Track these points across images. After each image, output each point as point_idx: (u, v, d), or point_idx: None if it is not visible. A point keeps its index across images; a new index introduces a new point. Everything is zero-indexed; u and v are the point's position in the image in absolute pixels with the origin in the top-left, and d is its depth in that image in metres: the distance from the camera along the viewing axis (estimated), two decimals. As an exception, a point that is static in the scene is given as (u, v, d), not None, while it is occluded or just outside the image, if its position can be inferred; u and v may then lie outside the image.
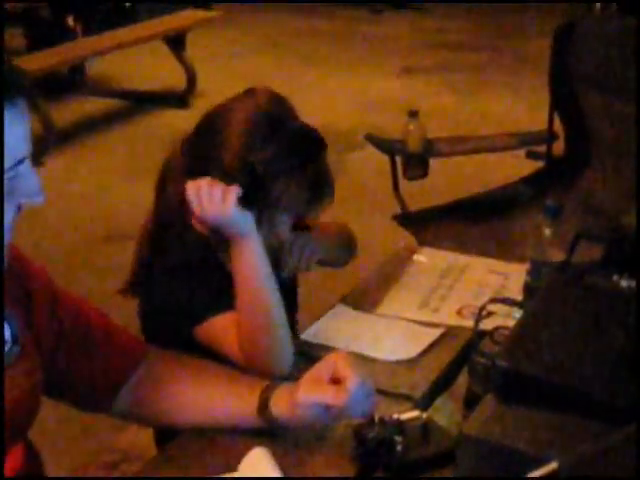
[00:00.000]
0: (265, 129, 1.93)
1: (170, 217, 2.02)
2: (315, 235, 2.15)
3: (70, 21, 7.49)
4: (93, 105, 6.95)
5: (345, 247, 2.35)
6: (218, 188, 1.81)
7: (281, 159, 1.91)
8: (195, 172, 1.91)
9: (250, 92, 2.03)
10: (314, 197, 1.97)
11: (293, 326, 2.16)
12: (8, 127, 1.36)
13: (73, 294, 1.74)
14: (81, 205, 5.16)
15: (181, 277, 1.99)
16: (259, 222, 1.91)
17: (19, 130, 1.38)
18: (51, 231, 4.46)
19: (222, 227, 1.85)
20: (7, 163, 1.36)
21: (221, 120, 1.98)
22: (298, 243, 2.07)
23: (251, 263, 1.87)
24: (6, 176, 1.37)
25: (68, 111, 6.57)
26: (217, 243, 1.97)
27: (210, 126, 2.01)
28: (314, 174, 1.96)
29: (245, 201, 1.84)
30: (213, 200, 1.80)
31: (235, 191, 1.81)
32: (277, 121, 1.96)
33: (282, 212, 1.96)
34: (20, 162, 1.39)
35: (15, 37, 7.68)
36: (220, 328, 1.92)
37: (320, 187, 1.97)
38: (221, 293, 1.93)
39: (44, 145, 5.63)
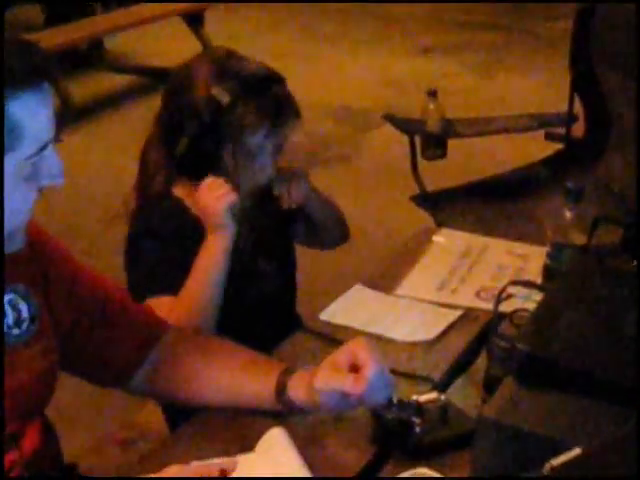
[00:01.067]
0: (221, 70, 2.08)
1: (148, 187, 2.19)
2: (301, 171, 2.23)
3: (89, -3, 7.49)
4: (111, 81, 6.95)
5: (336, 222, 2.39)
6: (221, 185, 2.00)
7: (239, 88, 2.05)
8: (171, 128, 2.12)
9: (203, 51, 2.24)
10: (277, 116, 2.08)
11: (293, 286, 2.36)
12: (34, 112, 1.36)
13: (91, 270, 1.74)
14: (98, 181, 5.16)
15: (139, 248, 2.11)
16: (237, 156, 2.08)
17: (44, 114, 1.39)
18: (68, 206, 4.45)
19: (210, 216, 2.00)
20: (33, 148, 1.37)
21: (182, 78, 2.14)
22: (285, 174, 2.16)
23: (217, 256, 2.00)
24: (30, 160, 1.37)
25: (86, 87, 6.57)
26: None
27: (174, 87, 2.17)
28: (272, 97, 2.09)
29: (218, 134, 2.05)
30: (213, 193, 1.99)
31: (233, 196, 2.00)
32: (232, 63, 2.11)
33: (251, 134, 2.07)
34: (44, 146, 1.39)
35: (33, 12, 7.68)
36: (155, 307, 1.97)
37: (280, 107, 2.09)
38: (166, 274, 2.04)
39: (62, 121, 5.62)
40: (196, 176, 2.07)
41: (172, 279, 2.00)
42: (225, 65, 2.10)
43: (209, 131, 2.05)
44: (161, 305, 1.96)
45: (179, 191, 2.15)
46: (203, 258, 2.00)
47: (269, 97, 2.08)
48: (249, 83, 2.07)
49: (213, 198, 1.99)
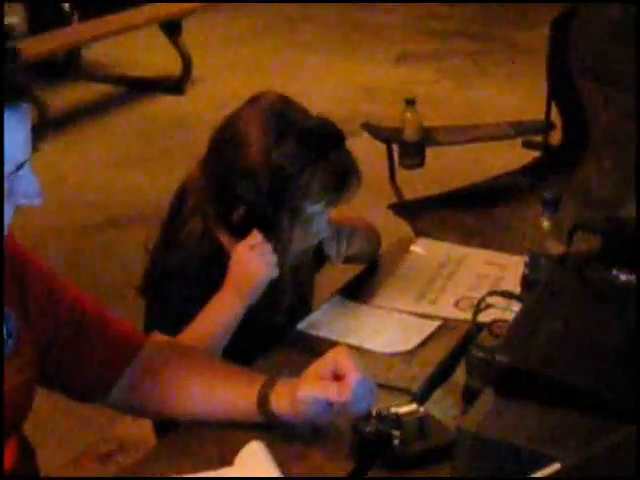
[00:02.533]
0: (279, 128, 1.98)
1: (179, 230, 2.08)
2: (349, 230, 2.19)
3: (66, 6, 7.46)
4: (88, 90, 6.94)
5: (372, 242, 2.37)
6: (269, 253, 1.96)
7: (302, 153, 1.97)
8: (219, 186, 2.02)
9: (254, 98, 2.08)
10: (341, 184, 2.01)
11: None
12: (11, 132, 1.35)
13: (68, 284, 1.72)
14: (75, 191, 5.14)
15: (162, 283, 2.06)
16: (294, 222, 2.00)
17: (21, 134, 1.37)
18: (45, 217, 4.44)
19: (248, 278, 1.96)
20: (7, 168, 1.36)
21: (234, 131, 2.03)
22: (340, 236, 2.13)
23: (235, 311, 1.96)
24: (6, 179, 1.36)
25: (63, 96, 6.55)
26: None
27: (225, 139, 2.06)
28: (337, 163, 2.01)
29: (277, 198, 1.96)
30: (260, 257, 1.96)
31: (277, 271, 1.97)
32: (289, 118, 2.01)
33: (312, 203, 1.99)
34: (20, 166, 1.38)
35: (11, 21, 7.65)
36: None
37: (345, 174, 2.02)
38: (178, 314, 1.98)
39: (39, 131, 5.61)
40: (243, 234, 2.02)
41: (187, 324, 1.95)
42: (282, 119, 2.00)
43: (267, 197, 1.97)
44: None
45: (221, 236, 2.09)
46: (216, 308, 1.95)
47: (334, 164, 2.00)
48: (312, 145, 1.98)
49: (260, 263, 1.94)
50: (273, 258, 1.96)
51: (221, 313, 1.95)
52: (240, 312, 1.95)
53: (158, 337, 1.86)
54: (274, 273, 1.96)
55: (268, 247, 1.96)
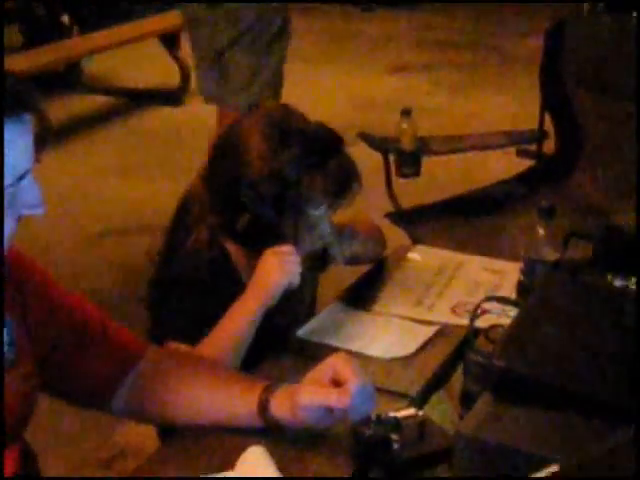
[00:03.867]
0: (279, 135, 1.99)
1: (183, 243, 2.08)
2: (353, 232, 2.21)
3: (65, 19, 7.47)
4: (88, 102, 6.94)
5: (377, 243, 2.38)
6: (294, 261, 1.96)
7: (302, 159, 1.97)
8: (222, 194, 2.03)
9: (255, 107, 2.13)
10: (342, 189, 2.02)
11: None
12: (12, 142, 1.35)
13: (70, 293, 1.72)
14: (74, 201, 5.14)
15: (172, 294, 2.05)
16: (298, 227, 2.01)
17: (23, 145, 1.37)
18: (46, 227, 4.44)
19: (268, 283, 1.95)
20: (9, 178, 1.36)
21: (235, 140, 2.04)
22: (341, 236, 2.13)
23: (254, 316, 1.94)
24: (8, 190, 1.36)
25: (63, 108, 6.55)
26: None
27: (226, 148, 2.07)
28: (337, 167, 2.02)
29: (280, 204, 1.96)
30: (284, 264, 1.95)
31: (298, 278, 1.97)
32: (289, 125, 2.02)
33: (314, 207, 2.00)
34: (22, 176, 1.38)
35: (11, 34, 7.66)
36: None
37: (346, 178, 2.03)
38: (194, 323, 1.97)
39: (40, 144, 5.59)
40: (248, 242, 2.06)
41: (200, 332, 1.95)
42: (281, 127, 2.01)
43: (271, 204, 1.98)
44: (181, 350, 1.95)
45: (228, 244, 2.10)
46: (238, 312, 1.95)
47: (334, 168, 2.01)
48: (312, 151, 1.99)
49: (282, 268, 1.95)
50: (297, 267, 1.96)
51: (242, 315, 1.94)
52: (259, 315, 1.94)
53: (158, 346, 1.87)
54: (295, 281, 1.97)
55: (295, 257, 1.97)
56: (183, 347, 1.95)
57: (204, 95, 4.65)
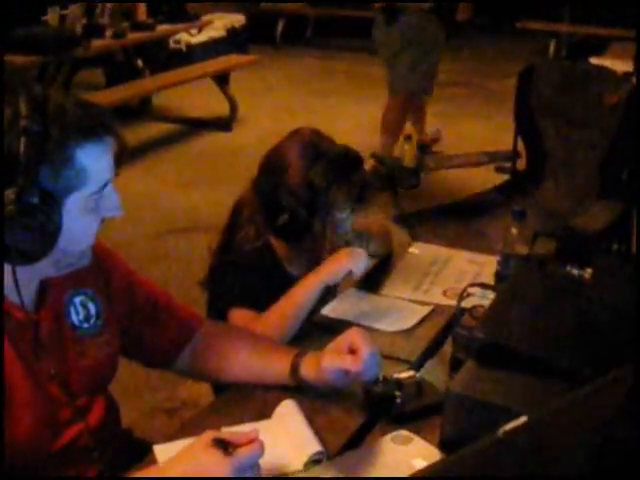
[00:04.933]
0: (313, 154, 2.01)
1: (237, 234, 2.10)
2: (368, 232, 2.20)
3: (139, 63, 7.49)
4: (157, 129, 6.95)
5: (386, 242, 2.37)
6: (361, 260, 1.96)
7: (331, 172, 1.99)
8: (268, 200, 2.04)
9: (294, 132, 2.10)
10: (361, 196, 2.05)
11: None
12: (97, 158, 1.35)
13: (143, 278, 1.73)
14: (147, 206, 5.15)
15: (231, 273, 2.05)
16: (326, 226, 2.02)
17: (105, 161, 1.38)
18: (124, 226, 4.45)
19: (334, 269, 1.95)
20: (95, 187, 1.36)
21: (278, 157, 2.05)
22: (361, 236, 2.12)
23: (314, 292, 1.94)
24: (93, 197, 1.37)
25: (137, 133, 6.56)
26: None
27: (270, 163, 2.08)
28: (357, 180, 2.04)
29: (312, 208, 1.98)
30: (352, 258, 1.95)
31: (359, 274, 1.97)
32: (320, 146, 2.03)
33: (339, 211, 2.02)
34: (105, 186, 1.38)
35: (96, 75, 7.69)
36: (236, 318, 1.97)
37: (364, 189, 2.05)
38: (253, 293, 1.99)
39: (119, 160, 5.61)
40: (287, 237, 2.07)
41: (255, 300, 1.97)
42: (315, 148, 2.03)
43: (305, 207, 1.99)
44: (243, 315, 1.95)
45: (271, 238, 2.11)
46: (303, 287, 1.94)
47: (356, 181, 2.03)
48: (340, 165, 2.01)
49: (349, 261, 1.94)
50: (365, 261, 1.96)
51: (305, 288, 1.93)
52: (318, 290, 1.94)
53: (212, 321, 1.87)
54: (358, 271, 1.96)
55: (365, 254, 1.97)
56: (245, 312, 1.96)
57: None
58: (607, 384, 1.07)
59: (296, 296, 1.93)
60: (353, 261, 1.95)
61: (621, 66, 5.58)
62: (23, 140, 1.26)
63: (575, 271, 1.88)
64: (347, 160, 2.05)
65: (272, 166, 2.07)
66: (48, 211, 1.29)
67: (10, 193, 1.25)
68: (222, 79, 6.97)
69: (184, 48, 8.49)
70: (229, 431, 1.44)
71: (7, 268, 1.32)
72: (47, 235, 1.31)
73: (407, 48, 5.22)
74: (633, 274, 1.82)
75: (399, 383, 1.62)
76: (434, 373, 1.74)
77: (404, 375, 1.66)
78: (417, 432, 1.53)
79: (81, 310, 1.53)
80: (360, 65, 9.22)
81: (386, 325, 1.98)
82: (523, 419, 0.98)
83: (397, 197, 3.57)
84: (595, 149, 3.30)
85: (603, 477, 1.00)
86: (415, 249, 2.46)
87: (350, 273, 1.96)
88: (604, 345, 1.44)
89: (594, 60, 6.36)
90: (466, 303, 1.85)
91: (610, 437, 1.01)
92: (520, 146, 3.80)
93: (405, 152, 3.53)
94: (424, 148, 5.90)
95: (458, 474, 0.93)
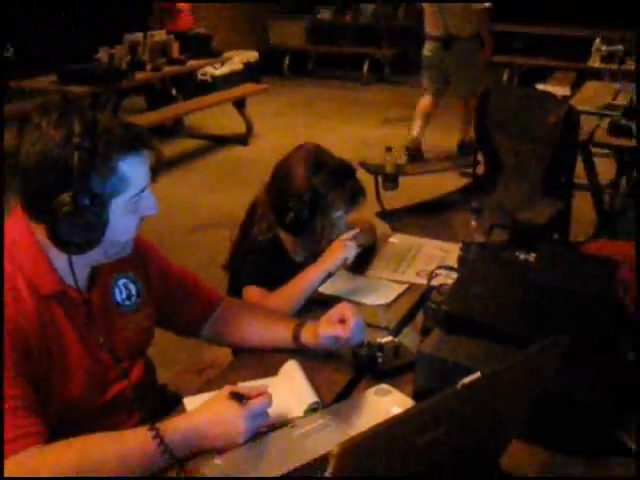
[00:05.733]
0: (315, 165, 2.01)
1: (252, 228, 2.11)
2: (357, 227, 2.15)
3: (173, 91, 7.49)
4: (187, 144, 6.94)
5: (372, 234, 2.36)
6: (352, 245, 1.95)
7: (330, 180, 2.00)
8: (278, 201, 2.05)
9: (299, 147, 2.10)
10: (354, 200, 2.04)
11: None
12: (136, 168, 1.35)
13: (175, 264, 1.73)
14: (180, 206, 5.15)
15: (247, 259, 2.05)
16: (324, 223, 2.02)
17: (142, 170, 1.38)
18: (159, 223, 4.45)
19: (334, 255, 1.94)
20: (135, 191, 1.36)
21: (286, 168, 2.06)
22: (351, 234, 2.08)
23: (319, 275, 1.93)
24: (134, 199, 1.36)
25: (171, 148, 6.55)
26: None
27: (280, 171, 2.08)
28: (351, 186, 2.04)
29: (313, 209, 1.99)
30: (344, 243, 1.96)
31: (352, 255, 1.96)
32: (321, 159, 2.04)
33: (336, 211, 2.02)
34: (142, 190, 1.38)
35: (139, 102, 7.68)
36: (249, 293, 1.97)
37: (356, 193, 2.05)
38: (264, 275, 1.98)
39: (156, 169, 5.61)
40: (293, 231, 2.07)
41: (266, 281, 1.96)
42: (316, 159, 2.03)
43: (308, 208, 2.00)
44: (256, 292, 1.95)
45: (280, 232, 2.11)
46: (310, 272, 1.93)
47: (350, 188, 2.03)
48: (337, 174, 2.01)
49: (344, 251, 1.95)
50: (354, 249, 1.95)
51: (310, 274, 1.93)
52: (321, 276, 1.93)
53: (232, 298, 1.87)
54: (350, 257, 1.95)
55: (353, 243, 1.96)
56: (257, 290, 1.96)
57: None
58: (547, 347, 1.07)
59: (304, 280, 1.92)
60: (347, 250, 1.95)
61: (561, 91, 5.59)
62: (76, 154, 1.26)
63: (523, 256, 1.88)
64: (343, 170, 2.05)
65: (281, 174, 2.08)
66: (97, 211, 1.30)
67: (66, 197, 1.26)
68: (240, 104, 6.95)
69: (209, 79, 8.50)
70: (244, 386, 1.44)
71: (64, 257, 1.33)
72: (96, 230, 1.31)
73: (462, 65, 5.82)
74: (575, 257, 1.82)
75: (380, 346, 1.62)
76: (409, 338, 1.74)
77: (384, 340, 1.66)
78: (395, 386, 1.53)
79: (124, 290, 1.53)
80: (352, 92, 9.21)
81: (370, 300, 1.98)
82: (477, 374, 0.98)
83: (380, 197, 3.56)
84: (540, 158, 3.30)
85: (540, 425, 1.00)
86: (394, 239, 2.45)
87: (345, 260, 1.96)
88: (546, 315, 1.43)
89: (539, 86, 6.36)
90: (435, 282, 1.85)
91: (547, 390, 1.01)
92: (479, 156, 3.79)
93: (386, 161, 3.53)
94: (416, 157, 5.92)
95: (427, 417, 0.93)
